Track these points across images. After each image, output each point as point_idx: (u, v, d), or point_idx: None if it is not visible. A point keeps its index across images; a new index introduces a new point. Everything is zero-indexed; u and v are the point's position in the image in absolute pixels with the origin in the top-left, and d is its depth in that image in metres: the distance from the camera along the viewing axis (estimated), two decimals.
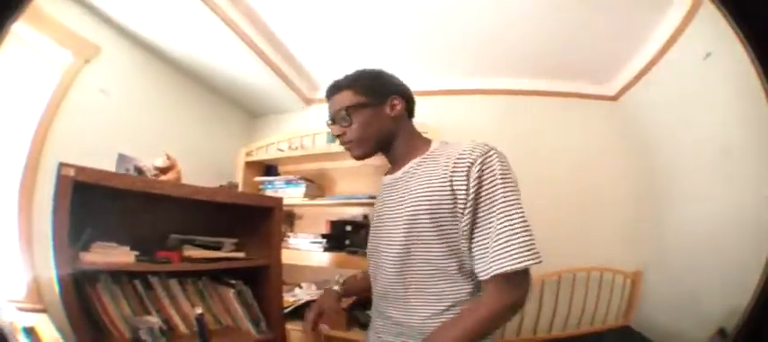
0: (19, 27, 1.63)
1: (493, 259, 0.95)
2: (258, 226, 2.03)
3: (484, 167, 0.99)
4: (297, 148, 2.89)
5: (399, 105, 1.19)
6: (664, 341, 2.16)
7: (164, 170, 1.82)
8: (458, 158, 1.02)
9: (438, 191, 1.03)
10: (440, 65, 2.82)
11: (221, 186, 2.00)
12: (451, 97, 2.92)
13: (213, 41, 2.36)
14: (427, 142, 1.20)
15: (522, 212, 0.96)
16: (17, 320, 1.44)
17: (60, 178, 1.31)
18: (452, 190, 1.01)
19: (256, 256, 1.98)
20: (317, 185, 2.87)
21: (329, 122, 1.25)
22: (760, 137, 1.68)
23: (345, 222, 2.74)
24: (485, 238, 0.98)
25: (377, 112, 1.18)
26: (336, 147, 2.18)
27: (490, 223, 0.97)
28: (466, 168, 1.00)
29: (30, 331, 1.42)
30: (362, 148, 1.20)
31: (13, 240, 1.70)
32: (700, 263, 2.06)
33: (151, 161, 1.85)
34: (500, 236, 0.95)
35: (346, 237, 2.66)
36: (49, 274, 1.35)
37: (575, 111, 2.84)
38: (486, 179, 0.98)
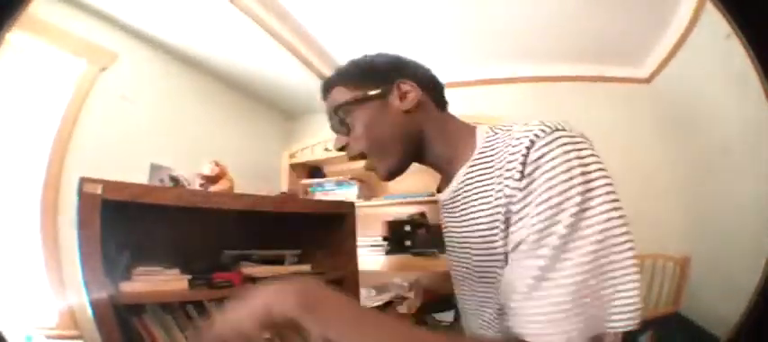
0: (25, 40, 1.49)
1: (518, 314, 0.54)
2: (325, 234, 1.58)
3: (540, 162, 0.54)
4: None
5: (413, 93, 0.75)
6: (712, 326, 1.90)
7: (212, 179, 1.45)
8: (509, 157, 0.59)
9: (492, 221, 0.62)
10: (469, 54, 2.47)
11: (282, 193, 1.57)
12: (479, 87, 2.60)
13: (239, 39, 2.06)
14: (471, 135, 0.74)
15: (592, 253, 0.50)
16: None
17: (83, 197, 0.92)
18: (505, 212, 0.59)
19: (325, 267, 1.53)
20: (368, 185, 2.43)
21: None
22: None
23: (403, 222, 2.32)
24: (519, 280, 0.55)
25: (382, 107, 0.75)
26: None
27: (531, 257, 0.53)
28: (516, 170, 0.56)
29: None
30: (385, 162, 0.76)
31: (39, 265, 1.45)
32: (739, 245, 1.81)
33: (190, 170, 1.51)
34: (535, 286, 0.52)
35: (406, 237, 2.25)
36: (81, 299, 0.99)
37: (609, 94, 2.55)
38: (537, 182, 0.54)
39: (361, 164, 0.79)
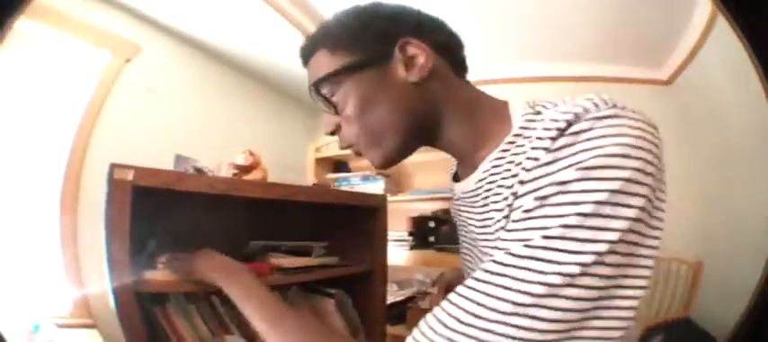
0: (46, 32, 1.49)
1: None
2: (354, 227, 1.50)
3: (577, 138, 0.40)
4: None
5: (423, 57, 0.55)
6: (721, 333, 1.73)
7: (246, 169, 1.35)
8: (542, 131, 0.43)
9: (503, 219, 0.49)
10: (483, 53, 2.29)
11: (315, 184, 1.51)
12: (493, 87, 2.37)
13: (264, 32, 2.03)
14: (504, 112, 0.57)
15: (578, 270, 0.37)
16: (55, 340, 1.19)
17: (114, 183, 0.85)
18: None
19: (352, 260, 1.45)
20: (394, 180, 2.36)
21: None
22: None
23: (427, 218, 2.25)
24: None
25: (381, 78, 0.56)
26: None
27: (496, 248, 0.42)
28: (542, 147, 0.42)
29: None
30: (380, 151, 0.58)
31: (56, 256, 1.41)
32: (746, 248, 1.70)
33: (215, 162, 1.43)
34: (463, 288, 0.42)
35: (430, 233, 2.19)
36: (101, 288, 0.93)
37: (628, 96, 2.32)
38: (561, 162, 0.40)
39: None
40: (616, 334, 0.38)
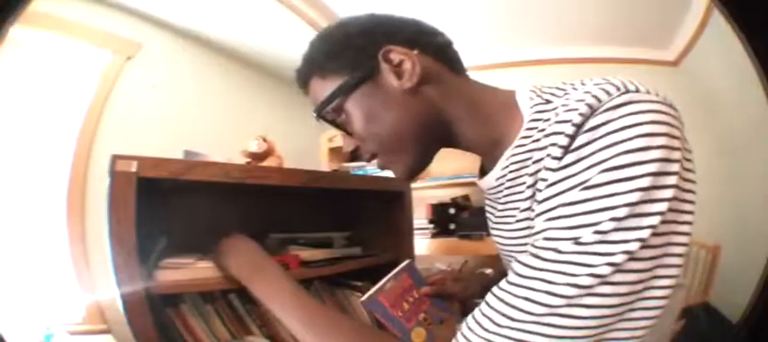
0: (46, 37, 1.46)
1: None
2: (377, 215, 1.39)
3: (596, 133, 0.38)
4: None
5: (409, 61, 0.53)
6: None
7: (260, 157, 1.27)
8: (556, 126, 0.42)
9: (526, 220, 0.52)
10: (487, 36, 2.22)
11: (335, 170, 1.44)
12: (498, 71, 2.30)
13: (273, 24, 1.99)
14: (512, 103, 0.53)
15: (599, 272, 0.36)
16: None
17: (116, 176, 0.76)
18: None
19: (377, 250, 1.34)
20: None
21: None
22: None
23: (447, 205, 2.17)
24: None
25: (374, 92, 0.55)
26: None
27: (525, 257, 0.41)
28: (559, 144, 0.40)
29: None
30: (400, 163, 0.58)
31: (66, 261, 1.36)
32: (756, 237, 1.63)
33: (225, 157, 1.31)
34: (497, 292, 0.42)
35: (451, 220, 2.10)
36: (110, 290, 0.83)
37: (640, 78, 2.23)
38: (584, 162, 0.38)
39: None
40: (650, 323, 0.38)
